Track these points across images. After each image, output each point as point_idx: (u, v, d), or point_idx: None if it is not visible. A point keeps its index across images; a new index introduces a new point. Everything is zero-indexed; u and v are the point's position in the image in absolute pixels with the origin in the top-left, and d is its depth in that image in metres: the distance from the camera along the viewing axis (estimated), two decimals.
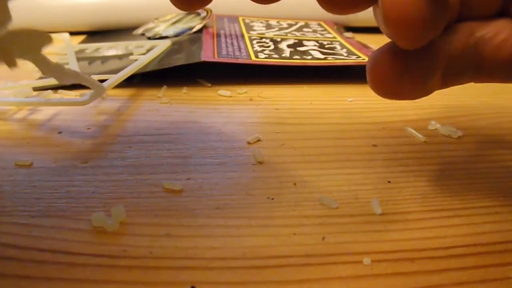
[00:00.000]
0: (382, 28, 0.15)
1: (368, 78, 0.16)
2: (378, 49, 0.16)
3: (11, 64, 0.14)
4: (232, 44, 0.33)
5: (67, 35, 0.36)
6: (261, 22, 0.41)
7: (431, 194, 0.18)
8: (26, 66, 0.31)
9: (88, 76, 0.17)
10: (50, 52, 0.34)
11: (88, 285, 0.13)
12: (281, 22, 0.42)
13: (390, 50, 0.16)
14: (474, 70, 0.17)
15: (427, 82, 0.16)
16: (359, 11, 0.16)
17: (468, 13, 0.17)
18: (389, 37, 0.15)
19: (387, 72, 0.16)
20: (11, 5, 0.13)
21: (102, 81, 0.26)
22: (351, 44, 0.35)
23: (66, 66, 0.30)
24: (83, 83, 0.19)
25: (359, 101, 0.26)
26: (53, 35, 0.28)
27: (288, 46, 0.33)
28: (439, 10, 0.14)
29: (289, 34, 0.37)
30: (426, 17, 0.14)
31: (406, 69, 0.16)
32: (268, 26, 0.40)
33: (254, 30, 0.38)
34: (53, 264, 0.14)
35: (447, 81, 0.17)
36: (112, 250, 0.14)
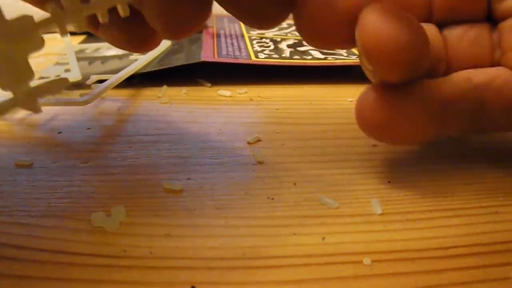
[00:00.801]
0: (365, 67, 0.15)
1: (358, 118, 0.16)
2: (367, 88, 0.16)
3: (37, 110, 0.14)
4: (232, 44, 0.33)
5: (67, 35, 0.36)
6: None
7: (431, 194, 0.18)
8: None
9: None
10: (51, 52, 0.34)
11: (88, 285, 0.13)
12: None
13: (380, 89, 0.16)
14: (474, 116, 0.17)
15: (422, 126, 0.16)
16: (342, 48, 0.16)
17: (460, 65, 0.17)
18: (374, 74, 0.15)
19: (377, 110, 0.16)
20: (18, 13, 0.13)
21: (102, 81, 0.26)
22: None
23: (66, 67, 0.30)
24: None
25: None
26: (53, 35, 0.28)
27: (288, 46, 0.33)
28: (416, 37, 0.14)
29: (289, 34, 0.37)
30: (403, 42, 0.14)
31: (399, 109, 0.16)
32: None
33: (254, 30, 0.38)
34: (53, 264, 0.14)
35: (444, 128, 0.17)
36: (112, 250, 0.14)
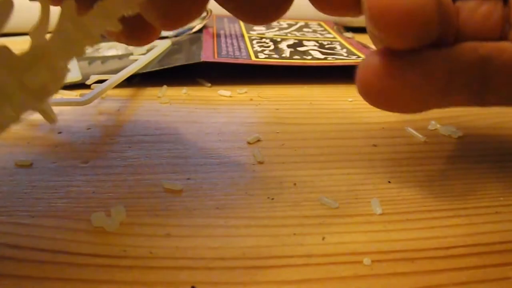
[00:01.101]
0: (372, 32, 0.15)
1: (359, 84, 0.16)
2: (370, 53, 0.16)
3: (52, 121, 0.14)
4: (232, 44, 0.33)
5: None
6: None
7: (431, 194, 0.18)
8: None
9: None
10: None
11: (88, 285, 0.13)
12: (281, 22, 0.42)
13: (384, 55, 0.15)
14: (478, 88, 0.17)
15: (424, 95, 0.16)
16: (351, 15, 0.15)
17: (468, 35, 0.16)
18: (380, 40, 0.15)
19: (380, 76, 0.15)
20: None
21: (102, 81, 0.26)
22: (351, 44, 0.35)
23: None
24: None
25: (359, 101, 0.26)
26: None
27: (288, 46, 0.33)
28: (428, 1, 0.13)
29: (289, 34, 0.37)
30: (413, 4, 0.13)
31: (402, 77, 0.15)
32: (268, 26, 0.40)
33: (254, 30, 0.38)
34: (53, 264, 0.14)
35: (446, 99, 0.17)
36: (112, 250, 0.14)
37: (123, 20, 0.17)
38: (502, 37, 0.17)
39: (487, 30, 0.17)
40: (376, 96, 0.16)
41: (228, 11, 0.16)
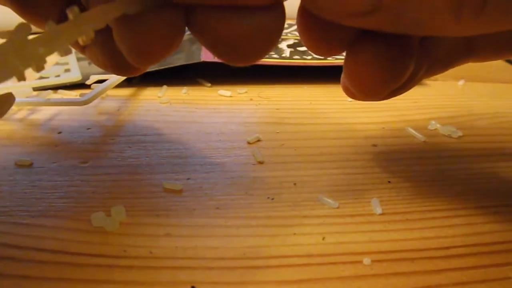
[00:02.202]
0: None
1: (345, 73, 0.16)
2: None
3: None
4: None
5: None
6: None
7: (431, 194, 0.18)
8: None
9: None
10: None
11: (88, 285, 0.13)
12: None
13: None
14: (464, 57, 0.17)
15: (413, 79, 0.16)
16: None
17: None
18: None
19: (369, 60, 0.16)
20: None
21: (102, 81, 0.26)
22: None
23: (66, 66, 0.30)
24: None
25: (359, 101, 0.26)
26: None
27: (288, 46, 0.33)
28: (405, 66, 0.14)
29: (289, 34, 0.37)
30: (390, 78, 0.14)
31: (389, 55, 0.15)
32: None
33: None
34: (53, 264, 0.14)
35: (435, 71, 0.17)
36: (112, 250, 0.14)
37: (110, 49, 0.17)
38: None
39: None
40: (372, 96, 0.16)
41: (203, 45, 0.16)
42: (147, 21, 0.14)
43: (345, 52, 0.15)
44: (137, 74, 0.19)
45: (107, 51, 0.17)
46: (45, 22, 0.13)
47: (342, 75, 0.16)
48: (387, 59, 0.14)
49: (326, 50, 0.15)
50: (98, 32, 0.13)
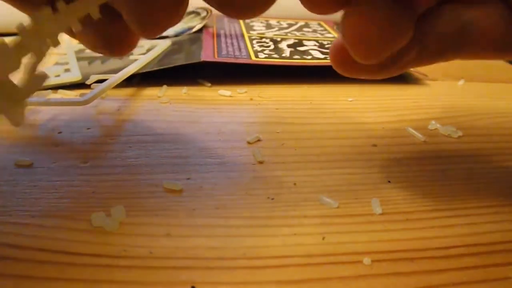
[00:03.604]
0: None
1: (330, 57, 0.17)
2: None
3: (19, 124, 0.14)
4: (232, 44, 0.33)
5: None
6: (261, 22, 0.41)
7: (431, 194, 0.18)
8: None
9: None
10: (50, 52, 0.34)
11: (88, 285, 0.13)
12: (281, 22, 0.42)
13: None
14: (455, 50, 0.17)
15: (402, 59, 0.16)
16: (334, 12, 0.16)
17: None
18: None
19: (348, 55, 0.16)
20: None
21: (102, 81, 0.26)
22: None
23: (66, 66, 0.30)
24: None
25: (359, 101, 0.26)
26: None
27: (288, 46, 0.33)
28: (403, 30, 0.14)
29: (289, 34, 0.37)
30: (387, 39, 0.14)
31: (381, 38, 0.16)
32: (268, 26, 0.40)
33: (254, 30, 0.38)
34: (53, 264, 0.14)
35: (423, 60, 0.17)
36: (112, 250, 0.14)
37: (100, 29, 0.17)
38: None
39: None
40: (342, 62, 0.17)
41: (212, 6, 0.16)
42: None
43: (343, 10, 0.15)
44: (126, 53, 0.19)
45: (98, 32, 0.18)
46: (36, 9, 0.13)
47: (338, 37, 0.16)
48: (390, 13, 0.14)
49: (325, 4, 0.15)
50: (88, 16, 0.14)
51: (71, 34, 0.19)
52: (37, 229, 0.15)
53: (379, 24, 0.14)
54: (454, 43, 0.16)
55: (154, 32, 0.16)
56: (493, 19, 0.16)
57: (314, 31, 0.39)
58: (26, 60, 0.14)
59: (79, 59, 0.31)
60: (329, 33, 0.39)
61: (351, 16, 0.14)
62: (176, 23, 0.16)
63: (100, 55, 0.32)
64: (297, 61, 0.30)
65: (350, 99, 0.27)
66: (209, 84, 0.28)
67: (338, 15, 0.15)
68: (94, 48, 0.19)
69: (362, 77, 0.17)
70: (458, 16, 0.16)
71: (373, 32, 0.14)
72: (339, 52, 0.17)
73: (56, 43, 0.14)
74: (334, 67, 0.17)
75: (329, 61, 0.31)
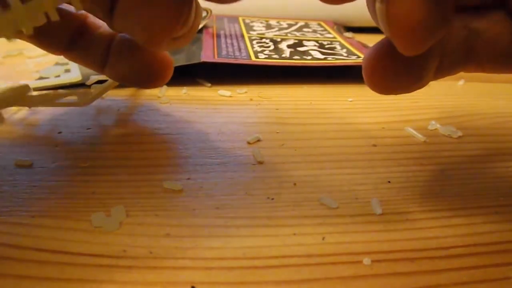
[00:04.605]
0: (383, 28, 0.15)
1: (365, 76, 0.16)
2: (374, 46, 0.16)
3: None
4: (232, 44, 0.33)
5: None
6: (261, 22, 0.41)
7: (431, 194, 0.18)
8: (26, 66, 0.31)
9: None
10: None
11: (88, 285, 0.13)
12: (281, 22, 0.42)
13: (387, 48, 0.15)
14: (465, 61, 0.17)
15: (423, 77, 0.16)
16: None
17: (463, 3, 0.16)
18: (391, 39, 0.15)
19: (384, 69, 0.15)
20: None
21: (102, 81, 0.26)
22: (351, 44, 0.35)
23: (66, 67, 0.30)
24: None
25: (359, 101, 0.26)
26: None
27: (288, 46, 0.33)
28: (446, 14, 0.13)
29: (289, 34, 0.37)
30: (434, 21, 0.13)
31: (404, 66, 0.15)
32: (268, 26, 0.40)
33: (254, 30, 0.38)
34: (53, 264, 0.14)
35: (439, 74, 0.17)
36: (112, 250, 0.14)
37: (133, 61, 0.18)
38: (498, 3, 0.16)
39: None
40: (383, 87, 0.16)
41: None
42: None
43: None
44: (160, 85, 0.21)
45: (131, 63, 0.18)
46: None
47: (368, 52, 0.16)
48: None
49: None
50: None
51: (99, 69, 0.20)
52: (37, 229, 0.15)
53: (428, 4, 0.13)
54: (461, 54, 0.16)
55: (159, 41, 0.16)
56: (497, 30, 0.16)
57: (314, 31, 0.39)
58: None
59: None
60: (329, 33, 0.39)
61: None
62: (178, 31, 0.16)
63: None
64: (297, 61, 0.30)
65: (350, 99, 0.27)
66: (209, 84, 0.28)
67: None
68: (126, 81, 0.20)
69: (395, 92, 0.16)
70: (464, 25, 0.16)
71: (423, 11, 0.13)
72: (377, 63, 0.16)
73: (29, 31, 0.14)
74: (371, 84, 0.16)
75: (328, 61, 0.31)
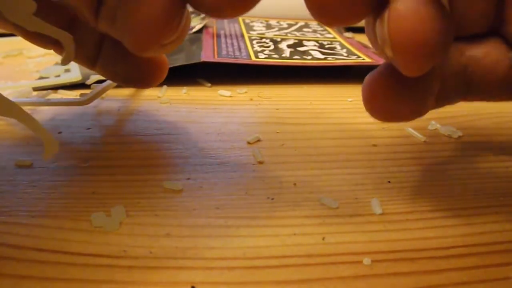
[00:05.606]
0: (384, 51, 0.14)
1: (364, 102, 0.16)
2: (374, 71, 0.16)
3: None
4: (232, 44, 0.33)
5: None
6: (261, 22, 0.41)
7: (431, 194, 0.18)
8: (26, 66, 0.31)
9: (43, 129, 0.16)
10: (50, 52, 0.34)
11: (88, 285, 0.13)
12: (281, 22, 0.42)
13: (388, 75, 0.15)
14: (464, 89, 0.16)
15: (424, 103, 0.16)
16: (353, 23, 0.14)
17: (458, 32, 0.16)
18: (392, 62, 0.14)
19: (385, 95, 0.15)
20: None
21: (102, 81, 0.26)
22: (351, 44, 0.35)
23: (66, 66, 0.30)
24: (35, 133, 0.16)
25: (359, 101, 0.26)
26: None
27: (288, 46, 0.33)
28: (448, 34, 0.13)
29: (289, 34, 0.37)
30: (437, 41, 0.13)
31: (405, 91, 0.15)
32: (268, 26, 0.40)
33: (254, 30, 0.38)
34: (53, 264, 0.14)
35: (440, 102, 0.16)
36: (112, 250, 0.14)
37: (126, 59, 0.18)
38: (493, 30, 0.16)
39: (476, 24, 0.16)
40: (382, 114, 0.16)
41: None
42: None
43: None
44: (154, 84, 0.20)
45: (125, 61, 0.18)
46: None
47: (371, 75, 0.15)
48: (438, 8, 0.13)
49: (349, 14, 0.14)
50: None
51: (90, 65, 0.20)
52: (37, 229, 0.15)
53: (434, 22, 0.12)
54: (461, 81, 0.16)
55: (145, 48, 0.15)
56: (494, 56, 0.16)
57: (314, 31, 0.39)
58: None
59: None
60: (329, 33, 0.39)
61: (399, 15, 0.13)
62: (168, 38, 0.15)
63: None
64: (297, 61, 0.30)
65: (349, 99, 0.27)
66: (209, 84, 0.28)
67: None
68: (118, 80, 0.20)
69: (396, 119, 0.16)
70: (461, 53, 0.16)
71: (427, 27, 0.12)
72: (378, 88, 0.15)
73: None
74: (371, 109, 0.16)
75: (328, 61, 0.31)
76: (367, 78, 0.16)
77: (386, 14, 0.13)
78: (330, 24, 0.15)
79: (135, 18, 0.14)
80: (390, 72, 0.15)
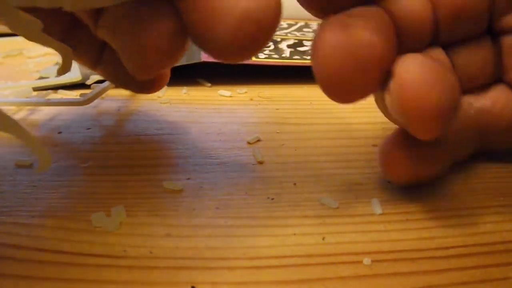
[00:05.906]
0: (396, 118, 0.14)
1: (384, 172, 0.16)
2: (388, 137, 0.16)
3: None
4: None
5: None
6: None
7: (431, 194, 0.18)
8: (26, 66, 0.31)
9: (36, 143, 0.15)
10: (50, 52, 0.34)
11: (88, 285, 0.13)
12: (281, 22, 0.42)
13: (403, 141, 0.16)
14: (478, 140, 0.17)
15: (440, 163, 0.16)
16: (362, 99, 0.15)
17: (464, 86, 0.16)
18: (406, 128, 0.15)
19: (403, 165, 0.16)
20: None
21: (102, 81, 0.26)
22: None
23: None
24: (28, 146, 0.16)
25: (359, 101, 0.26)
26: None
27: (288, 46, 0.33)
28: (455, 92, 0.13)
29: (289, 34, 0.37)
30: (446, 101, 0.13)
31: (421, 158, 0.16)
32: None
33: None
34: (53, 264, 0.14)
35: (453, 156, 0.17)
36: (112, 250, 0.14)
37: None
38: (495, 78, 0.17)
39: (481, 76, 0.17)
40: (399, 178, 0.17)
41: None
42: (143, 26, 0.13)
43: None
44: (155, 90, 0.21)
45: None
46: None
47: (385, 141, 0.16)
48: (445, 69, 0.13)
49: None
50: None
51: (92, 66, 0.20)
52: (37, 229, 0.15)
53: (440, 84, 0.13)
54: (474, 132, 0.17)
55: (147, 74, 0.15)
56: (501, 104, 0.16)
57: (314, 31, 0.39)
58: None
59: None
60: None
61: (406, 84, 0.13)
62: (170, 66, 0.15)
63: None
64: (297, 61, 0.30)
65: None
66: (209, 84, 0.28)
67: None
68: (119, 83, 0.20)
69: (414, 182, 0.17)
70: (470, 107, 0.16)
71: (436, 93, 0.12)
72: (396, 158, 0.16)
73: None
74: (389, 174, 0.16)
75: None
76: (384, 147, 0.16)
77: (392, 85, 0.13)
78: (341, 102, 0.15)
79: (139, 46, 0.14)
80: (405, 139, 0.16)
